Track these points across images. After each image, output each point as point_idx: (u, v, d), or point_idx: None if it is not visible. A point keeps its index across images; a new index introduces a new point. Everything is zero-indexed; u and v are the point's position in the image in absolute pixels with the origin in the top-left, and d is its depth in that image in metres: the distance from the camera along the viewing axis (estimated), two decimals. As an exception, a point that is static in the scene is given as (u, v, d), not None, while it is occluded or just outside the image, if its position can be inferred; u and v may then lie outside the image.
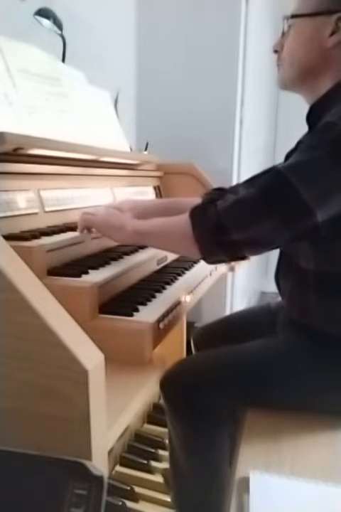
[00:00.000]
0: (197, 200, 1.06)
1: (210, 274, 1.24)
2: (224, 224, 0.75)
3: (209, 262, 0.83)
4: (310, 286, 0.85)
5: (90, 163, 1.20)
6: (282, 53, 0.90)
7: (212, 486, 0.92)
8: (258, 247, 0.78)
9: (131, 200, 1.13)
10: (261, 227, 0.74)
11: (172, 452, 0.98)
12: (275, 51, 0.92)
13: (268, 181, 0.74)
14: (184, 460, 0.93)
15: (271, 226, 0.73)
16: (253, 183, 0.77)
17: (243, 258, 0.82)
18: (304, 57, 0.85)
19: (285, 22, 0.88)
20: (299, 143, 0.91)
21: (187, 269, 1.16)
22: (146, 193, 1.58)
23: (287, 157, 0.92)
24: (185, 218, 0.80)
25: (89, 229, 0.97)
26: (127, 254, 1.02)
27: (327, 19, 0.81)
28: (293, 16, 0.86)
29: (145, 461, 1.34)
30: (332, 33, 0.80)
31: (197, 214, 0.79)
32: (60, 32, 1.39)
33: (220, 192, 1.05)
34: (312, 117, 0.88)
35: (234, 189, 0.98)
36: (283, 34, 0.89)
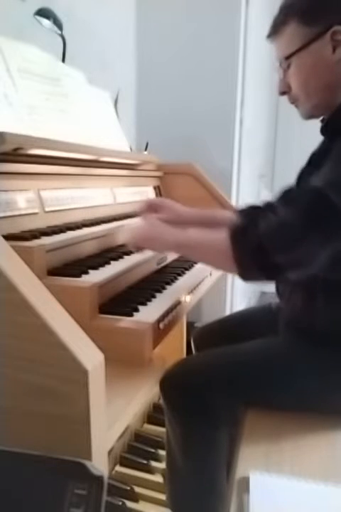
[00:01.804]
0: (230, 215, 1.09)
1: (210, 274, 1.24)
2: (266, 247, 0.74)
3: (247, 281, 0.82)
4: (317, 290, 0.85)
5: (90, 163, 1.20)
6: (292, 92, 0.90)
7: (207, 489, 0.92)
8: (301, 268, 0.77)
9: (173, 202, 1.13)
10: (305, 249, 0.73)
11: (170, 452, 0.98)
12: (283, 93, 0.92)
13: (308, 202, 0.74)
14: (181, 461, 0.93)
15: (314, 247, 0.73)
16: (292, 203, 0.76)
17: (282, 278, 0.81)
18: (317, 83, 0.85)
19: (282, 63, 0.89)
20: (313, 156, 0.91)
21: (187, 269, 1.16)
22: (146, 193, 1.58)
23: (301, 174, 0.92)
24: (224, 237, 0.79)
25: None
26: (127, 254, 1.02)
27: (322, 41, 0.82)
28: (289, 56, 0.86)
29: (145, 461, 1.34)
30: (334, 49, 0.81)
31: (237, 235, 0.78)
32: (60, 32, 1.39)
33: (256, 210, 1.06)
34: (331, 128, 0.87)
35: (271, 207, 0.93)
36: (283, 75, 0.90)
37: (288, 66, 0.88)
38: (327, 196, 0.71)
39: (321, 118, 0.93)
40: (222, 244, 0.79)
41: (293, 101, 0.92)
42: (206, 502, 0.92)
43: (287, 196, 0.81)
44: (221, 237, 0.80)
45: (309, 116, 0.92)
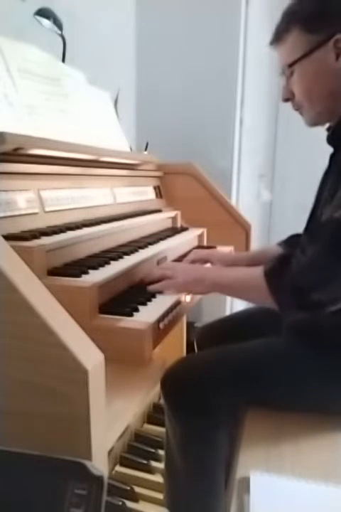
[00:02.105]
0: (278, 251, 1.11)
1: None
2: (301, 287, 0.77)
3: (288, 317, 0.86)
4: None
5: (90, 163, 1.20)
6: (295, 99, 0.90)
7: (206, 488, 0.92)
8: (340, 300, 0.79)
9: (221, 252, 1.19)
10: (339, 281, 0.75)
11: (169, 452, 0.98)
12: (287, 100, 0.93)
13: (331, 236, 0.75)
14: (180, 460, 0.93)
15: None
16: (316, 239, 0.78)
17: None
18: (320, 90, 0.85)
19: (285, 71, 0.89)
20: (332, 159, 0.91)
21: (187, 269, 1.16)
22: (146, 193, 1.58)
23: (325, 175, 0.92)
24: (261, 278, 0.81)
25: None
26: (127, 254, 1.02)
27: (325, 48, 0.82)
28: (292, 64, 0.86)
29: (145, 461, 1.34)
30: (337, 57, 0.81)
31: (272, 278, 0.81)
32: (60, 32, 1.39)
33: (297, 239, 1.08)
34: (337, 137, 0.88)
35: (300, 243, 0.93)
36: (286, 82, 0.90)
37: (291, 73, 0.88)
38: None
39: (327, 126, 0.93)
40: (259, 285, 0.82)
41: (297, 108, 0.92)
42: (204, 502, 0.92)
43: (313, 230, 0.84)
44: (258, 277, 0.82)
45: (313, 123, 0.92)
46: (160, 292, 0.94)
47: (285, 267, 0.80)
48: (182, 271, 0.96)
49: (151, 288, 0.93)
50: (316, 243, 0.77)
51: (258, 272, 0.83)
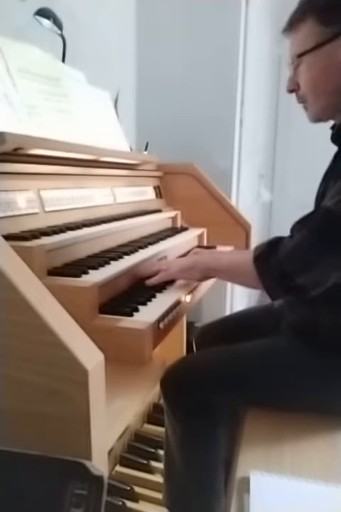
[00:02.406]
0: None
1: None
2: (287, 271, 0.79)
3: (277, 300, 0.90)
4: (320, 298, 0.85)
5: (90, 163, 1.20)
6: (300, 91, 0.89)
7: (204, 488, 0.92)
8: (322, 286, 0.80)
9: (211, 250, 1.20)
10: (322, 267, 0.77)
11: (168, 451, 0.98)
12: (292, 91, 0.92)
13: (319, 222, 0.78)
14: (179, 459, 0.93)
15: (330, 264, 0.77)
16: (305, 225, 0.79)
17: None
18: (326, 85, 0.85)
19: (293, 60, 0.87)
20: (336, 158, 0.91)
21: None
22: (146, 193, 1.58)
23: (328, 173, 0.93)
24: (250, 262, 0.84)
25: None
26: (127, 254, 1.02)
27: (337, 42, 0.81)
28: (301, 54, 0.85)
29: (145, 461, 1.34)
30: None
31: (261, 262, 0.83)
32: (60, 32, 1.39)
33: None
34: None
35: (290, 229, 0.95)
36: (293, 72, 0.89)
37: (299, 64, 0.86)
38: (336, 214, 0.74)
39: (331, 125, 0.92)
40: (250, 270, 0.84)
41: (301, 101, 0.91)
42: (203, 501, 0.92)
43: (302, 219, 0.84)
44: (248, 261, 0.85)
45: (316, 118, 0.91)
46: (160, 291, 0.94)
47: (273, 252, 0.81)
48: (176, 261, 1.01)
49: (148, 282, 0.95)
50: (305, 229, 0.79)
51: (248, 256, 0.85)
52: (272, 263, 0.81)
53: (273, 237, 0.86)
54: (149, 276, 0.97)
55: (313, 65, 0.85)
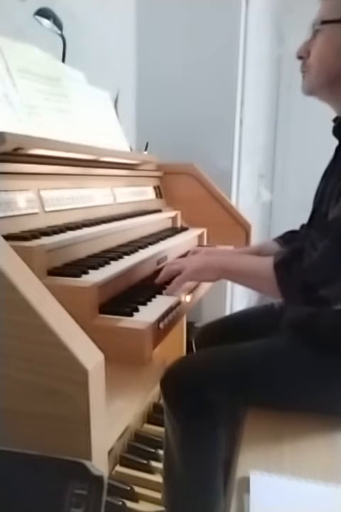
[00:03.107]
0: (276, 247, 1.12)
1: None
2: (311, 282, 0.77)
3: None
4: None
5: (90, 163, 1.20)
6: (308, 59, 0.87)
7: (203, 488, 0.92)
8: None
9: (219, 250, 1.19)
10: None
11: (167, 451, 0.98)
12: (300, 57, 0.89)
13: (340, 232, 0.75)
14: (179, 460, 0.93)
15: None
16: (327, 235, 0.77)
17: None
18: (334, 64, 0.83)
19: (314, 26, 0.84)
20: (338, 152, 0.90)
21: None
22: (146, 193, 1.58)
23: (330, 167, 0.91)
24: (270, 268, 0.81)
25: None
26: (127, 254, 1.02)
27: None
28: (324, 22, 0.82)
29: (145, 461, 1.34)
30: None
31: (282, 270, 0.80)
32: (60, 32, 1.39)
33: (294, 235, 1.09)
34: None
35: (310, 238, 0.91)
36: (309, 39, 0.86)
37: (319, 32, 0.84)
38: None
39: (334, 118, 0.91)
40: (268, 275, 0.81)
41: (304, 70, 0.89)
42: (201, 501, 0.92)
43: (323, 226, 0.82)
44: (267, 267, 0.82)
45: (309, 91, 0.89)
46: (160, 291, 0.94)
47: (295, 260, 0.79)
48: (190, 261, 0.97)
49: (166, 292, 0.93)
50: (327, 239, 0.77)
51: (267, 261, 0.83)
52: (295, 272, 0.78)
53: (294, 246, 0.85)
54: (162, 283, 0.96)
55: (331, 38, 0.82)
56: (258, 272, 0.86)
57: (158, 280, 0.97)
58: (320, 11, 0.85)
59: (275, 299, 1.12)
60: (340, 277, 0.76)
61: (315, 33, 0.85)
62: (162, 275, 0.97)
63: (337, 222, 0.77)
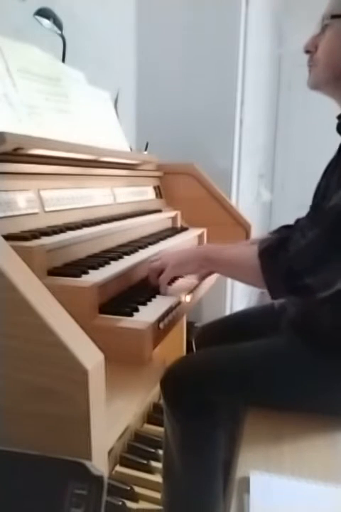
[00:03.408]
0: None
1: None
2: (295, 269, 0.75)
3: (277, 299, 0.84)
4: (327, 299, 0.85)
5: (90, 163, 1.20)
6: (316, 54, 0.86)
7: (202, 488, 0.92)
8: (331, 287, 0.78)
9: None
10: (331, 269, 0.75)
11: (167, 450, 0.98)
12: (308, 51, 0.88)
13: (332, 222, 0.74)
14: (178, 460, 0.93)
15: (339, 267, 0.74)
16: (317, 224, 0.76)
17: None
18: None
19: (324, 20, 0.83)
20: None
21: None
22: (146, 193, 1.58)
23: (332, 164, 0.90)
24: (254, 256, 0.79)
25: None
26: (127, 254, 1.02)
27: None
28: (333, 16, 0.81)
29: (145, 461, 1.34)
30: None
31: (267, 257, 0.79)
32: (60, 32, 1.39)
33: (287, 230, 1.06)
34: None
35: (300, 226, 0.90)
36: (318, 34, 0.85)
37: (328, 27, 0.83)
38: None
39: (338, 114, 0.91)
40: (252, 263, 0.80)
41: (311, 64, 0.88)
42: (200, 501, 0.92)
43: (314, 216, 0.81)
44: (251, 256, 0.80)
45: (315, 86, 0.88)
46: (166, 293, 0.94)
47: (281, 248, 0.78)
48: (170, 255, 0.96)
49: (161, 293, 0.92)
50: (316, 228, 0.76)
51: (252, 249, 0.81)
52: (280, 259, 0.77)
53: (281, 232, 0.82)
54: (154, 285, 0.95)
55: (340, 33, 0.81)
56: (243, 261, 0.84)
57: (150, 282, 0.97)
58: (329, 4, 0.84)
59: (277, 300, 1.11)
60: (326, 266, 0.75)
61: (324, 27, 0.83)
62: (150, 277, 0.97)
63: (333, 210, 0.76)
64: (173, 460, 0.94)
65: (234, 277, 0.91)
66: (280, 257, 0.77)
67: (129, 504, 1.21)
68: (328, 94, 0.89)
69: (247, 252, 0.84)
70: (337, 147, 0.90)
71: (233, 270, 0.89)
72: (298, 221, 1.10)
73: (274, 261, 0.78)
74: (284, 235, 0.81)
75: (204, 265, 0.92)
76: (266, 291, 0.81)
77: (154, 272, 0.96)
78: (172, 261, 0.93)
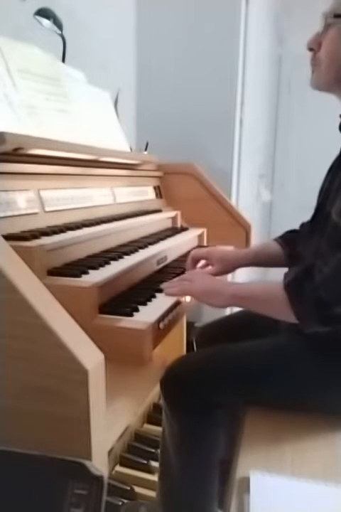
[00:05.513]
0: (276, 247, 1.10)
1: (210, 274, 1.24)
2: (324, 300, 0.73)
3: (308, 331, 0.81)
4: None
5: (90, 163, 1.20)
6: (319, 53, 0.85)
7: (201, 489, 0.92)
8: None
9: (220, 250, 1.14)
10: None
11: (164, 449, 0.98)
12: (311, 49, 0.87)
13: None
14: (176, 459, 0.93)
15: None
16: (337, 248, 0.74)
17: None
18: None
19: (327, 18, 0.82)
20: None
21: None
22: (146, 193, 1.58)
23: (335, 165, 0.90)
24: (281, 290, 0.78)
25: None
26: (127, 254, 1.02)
27: None
28: (336, 16, 0.80)
29: (145, 461, 1.34)
30: None
31: (293, 290, 0.77)
32: (60, 32, 1.39)
33: (293, 235, 1.07)
34: None
35: (321, 251, 0.85)
36: (321, 32, 0.84)
37: (331, 26, 0.81)
38: None
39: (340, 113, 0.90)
40: (280, 297, 0.78)
41: (314, 63, 0.87)
42: (196, 501, 0.92)
43: (336, 240, 0.78)
44: (279, 290, 0.79)
45: (318, 86, 0.88)
46: (160, 291, 0.93)
47: (306, 278, 0.76)
48: (201, 277, 0.93)
49: (168, 292, 0.91)
50: (337, 252, 0.73)
51: (278, 284, 0.80)
52: (307, 290, 0.74)
53: (285, 237, 0.80)
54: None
55: None
56: (270, 295, 0.82)
57: (165, 284, 0.94)
58: (332, 3, 0.82)
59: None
60: None
61: (327, 26, 0.82)
62: (174, 282, 0.95)
63: None
64: (170, 459, 0.94)
65: (262, 312, 0.87)
66: (307, 287, 0.75)
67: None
68: (331, 93, 0.88)
69: (274, 286, 0.82)
70: (338, 147, 0.90)
71: (261, 306, 0.86)
72: (302, 225, 1.10)
73: (301, 292, 0.76)
74: (307, 264, 0.79)
75: (231, 303, 0.89)
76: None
77: (181, 283, 0.93)
78: (201, 287, 0.90)
